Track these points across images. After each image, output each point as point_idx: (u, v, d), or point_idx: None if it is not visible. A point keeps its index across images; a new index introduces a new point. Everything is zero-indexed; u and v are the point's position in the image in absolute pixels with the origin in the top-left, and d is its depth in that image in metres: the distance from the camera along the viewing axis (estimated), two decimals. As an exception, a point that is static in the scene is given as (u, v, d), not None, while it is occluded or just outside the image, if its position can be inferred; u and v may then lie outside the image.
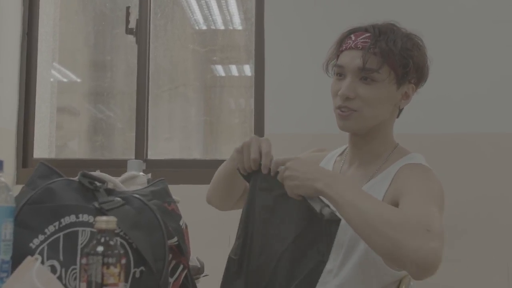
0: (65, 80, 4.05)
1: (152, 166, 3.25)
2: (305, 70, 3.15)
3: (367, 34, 1.61)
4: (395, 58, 1.57)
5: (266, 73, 3.24)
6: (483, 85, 3.09)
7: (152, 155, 3.46)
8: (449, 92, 3.08)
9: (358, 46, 1.60)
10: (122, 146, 3.86)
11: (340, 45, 1.66)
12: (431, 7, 3.15)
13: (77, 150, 4.05)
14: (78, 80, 4.12)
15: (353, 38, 1.63)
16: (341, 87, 1.60)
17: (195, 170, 3.31)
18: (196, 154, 3.90)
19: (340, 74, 1.63)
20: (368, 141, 1.66)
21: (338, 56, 1.66)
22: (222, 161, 3.35)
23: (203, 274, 1.93)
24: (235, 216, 3.12)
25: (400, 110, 1.71)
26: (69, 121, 4.08)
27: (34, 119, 3.47)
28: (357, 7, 3.14)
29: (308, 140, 3.16)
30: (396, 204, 1.46)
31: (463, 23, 3.12)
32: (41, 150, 3.56)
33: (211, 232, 3.07)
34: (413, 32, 1.66)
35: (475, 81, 3.09)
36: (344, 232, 1.53)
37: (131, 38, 3.53)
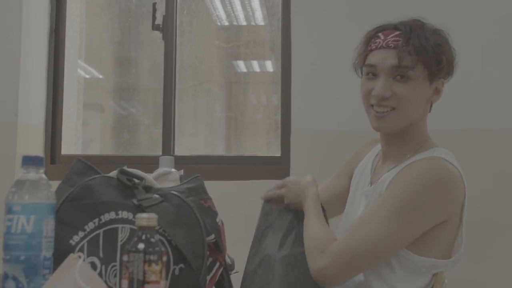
0: (89, 76, 4.07)
1: (179, 162, 3.24)
2: (331, 65, 3.13)
3: (397, 32, 1.60)
4: (428, 55, 1.56)
5: (293, 69, 3.23)
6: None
7: (177, 151, 3.47)
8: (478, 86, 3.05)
9: (390, 45, 1.58)
10: (147, 142, 3.87)
11: (368, 44, 1.64)
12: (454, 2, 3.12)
13: (103, 146, 4.08)
14: (103, 76, 4.14)
15: (382, 37, 1.61)
16: (374, 87, 1.59)
17: (222, 166, 3.31)
18: (220, 150, 3.91)
19: (372, 74, 1.62)
20: (401, 138, 1.65)
21: (366, 56, 1.64)
22: (248, 157, 3.40)
23: (234, 271, 1.93)
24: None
25: (431, 105, 1.69)
26: (94, 118, 4.10)
27: (62, 116, 3.49)
28: (384, 2, 3.12)
29: (334, 137, 3.15)
30: None
31: (480, 18, 3.09)
32: (68, 146, 3.59)
33: (238, 228, 3.06)
34: (440, 27, 1.64)
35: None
36: None
37: (156, 34, 3.54)
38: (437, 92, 1.65)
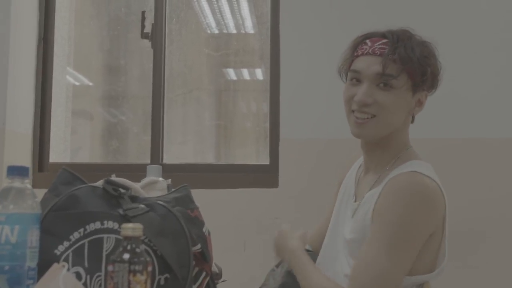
0: (79, 84, 4.06)
1: (167, 170, 3.25)
2: (320, 74, 3.14)
3: (384, 40, 1.60)
4: (414, 66, 1.56)
5: (282, 77, 3.24)
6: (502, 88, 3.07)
7: (166, 159, 3.46)
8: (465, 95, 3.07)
9: (376, 52, 1.58)
10: (136, 150, 3.86)
11: (355, 50, 1.64)
12: (446, 12, 3.13)
13: (91, 154, 4.06)
14: (92, 84, 4.13)
15: (369, 43, 1.61)
16: (357, 93, 1.58)
17: (210, 175, 3.31)
18: (209, 158, 3.91)
19: (355, 80, 1.61)
20: (380, 148, 1.64)
21: (352, 61, 1.64)
22: (237, 165, 3.40)
23: (221, 280, 1.92)
24: (249, 221, 3.14)
25: (413, 116, 1.69)
26: (83, 125, 4.09)
27: (50, 123, 3.48)
28: (374, 11, 3.13)
29: (323, 145, 3.16)
30: None
31: (477, 27, 3.11)
32: (57, 154, 3.57)
33: (226, 237, 3.07)
34: (427, 40, 1.65)
35: (492, 84, 3.08)
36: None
37: (145, 43, 3.54)
38: (420, 104, 1.64)
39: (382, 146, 1.64)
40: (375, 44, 1.60)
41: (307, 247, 1.90)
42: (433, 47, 1.64)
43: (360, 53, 1.61)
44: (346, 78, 1.66)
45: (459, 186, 2.80)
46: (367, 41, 1.62)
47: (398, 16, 2.87)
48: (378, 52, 1.58)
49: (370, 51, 1.59)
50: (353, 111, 1.60)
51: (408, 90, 1.58)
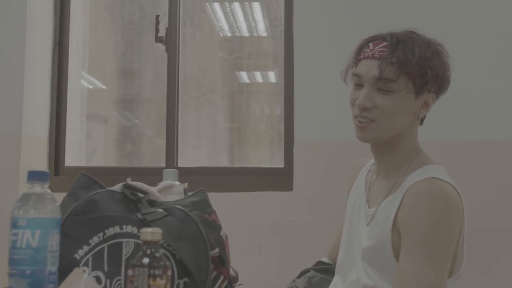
0: (93, 87, 4.09)
1: (182, 174, 3.25)
2: (334, 77, 3.10)
3: (385, 43, 1.58)
4: (412, 68, 1.54)
5: (295, 80, 3.24)
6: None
7: (180, 162, 3.47)
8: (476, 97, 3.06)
9: (375, 55, 1.57)
10: (151, 154, 3.88)
11: (359, 54, 1.64)
12: (458, 14, 3.13)
13: (106, 157, 4.08)
14: (107, 88, 4.16)
15: (371, 47, 1.60)
16: (358, 97, 1.58)
17: (225, 178, 3.32)
18: (223, 161, 3.92)
19: (358, 84, 1.61)
20: (389, 151, 1.64)
21: (356, 65, 1.64)
22: (251, 168, 3.41)
23: (238, 283, 1.93)
24: (264, 224, 3.15)
25: (423, 118, 1.68)
26: (98, 129, 4.11)
27: (65, 127, 3.51)
28: (387, 14, 3.13)
29: (337, 148, 3.16)
30: (400, 237, 1.51)
31: (488, 28, 3.11)
32: (72, 158, 3.60)
33: (241, 241, 3.07)
34: (434, 39, 1.62)
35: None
36: None
37: (159, 46, 3.56)
38: (426, 105, 1.62)
39: (390, 149, 1.63)
40: (376, 48, 1.59)
41: (325, 259, 1.90)
42: (438, 47, 1.61)
43: (362, 56, 1.61)
44: (352, 81, 1.66)
45: (471, 188, 2.79)
46: (370, 44, 1.61)
47: (411, 18, 2.87)
48: (378, 56, 1.57)
49: (370, 54, 1.59)
50: (356, 116, 1.60)
51: (409, 93, 1.56)
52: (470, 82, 3.00)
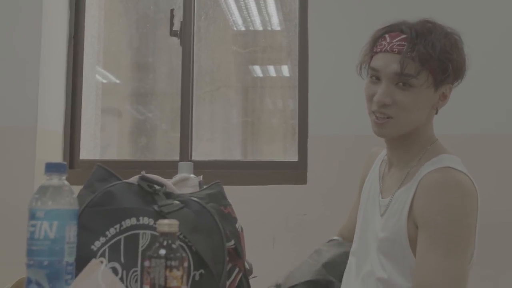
0: (107, 82, 4.11)
1: (196, 167, 3.26)
2: (349, 70, 3.11)
3: (403, 36, 1.53)
4: (434, 63, 1.50)
5: (310, 74, 3.23)
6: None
7: (194, 156, 3.48)
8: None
9: (394, 49, 1.53)
10: (165, 147, 3.89)
11: (374, 46, 1.59)
12: (473, 6, 3.11)
13: (120, 151, 4.10)
14: (121, 82, 4.17)
15: (388, 39, 1.55)
16: (376, 92, 1.54)
17: (239, 172, 3.32)
18: (236, 154, 3.92)
19: (375, 77, 1.57)
20: (405, 143, 1.61)
21: (371, 57, 1.60)
22: (266, 162, 3.41)
23: (252, 276, 1.93)
24: (278, 217, 3.15)
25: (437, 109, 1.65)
26: (112, 123, 4.13)
27: (80, 121, 3.53)
28: (401, 7, 3.11)
29: (351, 141, 3.15)
30: (416, 228, 1.50)
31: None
32: (87, 151, 3.62)
33: (255, 234, 3.07)
34: (451, 27, 1.59)
35: None
36: None
37: (174, 40, 3.56)
38: (444, 97, 1.59)
39: (407, 141, 1.61)
40: (394, 40, 1.54)
41: (335, 237, 1.91)
42: (456, 38, 1.57)
43: (379, 49, 1.56)
44: (368, 73, 1.61)
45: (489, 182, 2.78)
46: (387, 36, 1.57)
47: (425, 12, 2.86)
48: (396, 50, 1.52)
49: (388, 48, 1.54)
50: (373, 112, 1.57)
51: (429, 87, 1.53)
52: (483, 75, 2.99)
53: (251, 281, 1.91)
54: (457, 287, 1.45)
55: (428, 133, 1.63)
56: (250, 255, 1.99)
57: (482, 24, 3.07)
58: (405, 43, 1.52)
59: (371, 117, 1.59)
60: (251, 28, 3.98)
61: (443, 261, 1.44)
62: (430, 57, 1.50)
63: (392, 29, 1.58)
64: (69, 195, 1.12)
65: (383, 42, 1.56)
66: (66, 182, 1.14)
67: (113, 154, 4.08)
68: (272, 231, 3.16)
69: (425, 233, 1.48)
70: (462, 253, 1.47)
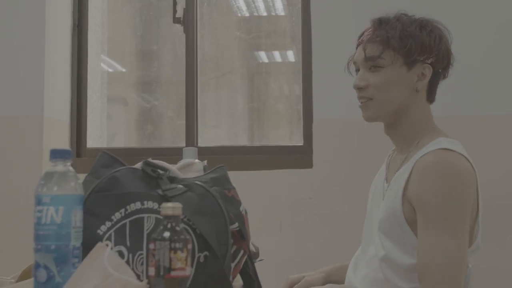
0: (112, 70, 4.12)
1: (202, 153, 3.28)
2: (352, 54, 3.13)
3: (372, 28, 1.69)
4: (395, 41, 1.61)
5: (314, 58, 3.24)
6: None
7: (200, 142, 3.50)
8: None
9: (363, 39, 1.68)
10: (171, 134, 3.91)
11: (357, 44, 1.74)
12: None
13: (127, 139, 4.13)
14: (126, 70, 4.18)
15: (363, 35, 1.71)
16: None
17: (245, 157, 3.34)
18: (243, 140, 3.93)
19: (357, 70, 1.72)
20: (397, 127, 1.68)
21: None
22: (271, 147, 3.43)
23: (259, 259, 1.96)
24: (285, 202, 3.17)
25: (432, 93, 1.69)
26: (118, 111, 4.15)
27: (86, 110, 3.55)
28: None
29: (356, 124, 3.14)
30: (412, 209, 1.54)
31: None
32: (94, 140, 3.64)
33: (262, 218, 3.10)
34: (427, 17, 1.68)
35: None
36: None
37: (178, 27, 3.57)
38: (423, 77, 1.65)
39: (398, 125, 1.67)
40: (364, 33, 1.70)
41: None
42: (426, 22, 1.67)
43: (357, 45, 1.73)
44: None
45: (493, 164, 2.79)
46: (364, 32, 1.72)
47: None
48: (365, 39, 1.67)
49: (360, 41, 1.71)
50: (358, 99, 1.70)
51: (399, 65, 1.63)
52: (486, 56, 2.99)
53: (258, 264, 1.93)
54: (456, 265, 1.48)
55: (420, 116, 1.67)
56: (257, 239, 2.02)
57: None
58: (371, 32, 1.67)
59: (359, 106, 1.70)
60: (255, 14, 3.97)
61: (440, 242, 1.48)
62: (391, 36, 1.62)
63: (368, 27, 1.72)
64: (74, 181, 1.14)
65: (360, 38, 1.72)
66: (71, 168, 1.15)
67: (121, 142, 4.10)
68: (279, 215, 3.19)
69: (422, 215, 1.52)
70: (459, 232, 1.50)
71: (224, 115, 4.00)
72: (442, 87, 1.71)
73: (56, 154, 1.15)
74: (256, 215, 2.84)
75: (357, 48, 1.72)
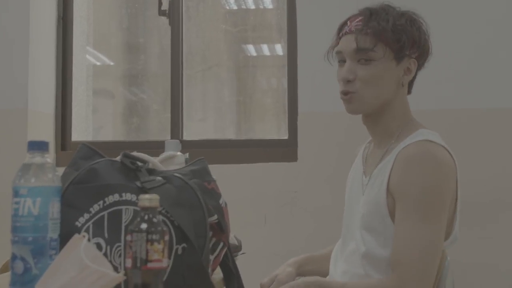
0: (99, 63, 4.10)
1: (187, 146, 3.28)
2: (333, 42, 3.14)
3: (360, 17, 1.65)
4: (388, 35, 1.60)
5: (299, 52, 3.24)
6: None
7: (187, 135, 3.50)
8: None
9: (352, 30, 1.63)
10: (157, 128, 3.90)
11: (339, 33, 1.69)
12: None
13: (113, 132, 4.11)
14: (112, 63, 4.17)
15: (348, 23, 1.66)
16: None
17: (230, 150, 3.34)
18: (229, 134, 3.93)
19: (341, 60, 1.67)
20: (378, 120, 1.67)
21: (338, 43, 1.70)
22: (255, 140, 3.43)
23: (241, 252, 1.96)
24: (270, 195, 3.18)
25: (410, 86, 1.71)
26: (104, 104, 4.14)
27: (71, 103, 3.54)
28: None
29: (341, 118, 3.14)
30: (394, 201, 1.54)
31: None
32: (79, 133, 3.63)
33: (246, 211, 3.11)
34: (410, 11, 1.67)
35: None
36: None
37: (164, 20, 3.55)
38: (409, 71, 1.66)
39: (379, 118, 1.66)
40: (352, 23, 1.65)
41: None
42: (413, 16, 1.66)
43: (341, 34, 1.67)
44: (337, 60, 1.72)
45: (481, 157, 2.80)
46: (348, 21, 1.68)
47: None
48: (354, 30, 1.63)
49: (347, 30, 1.65)
50: (340, 92, 1.65)
51: (390, 59, 1.61)
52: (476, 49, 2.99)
53: (243, 257, 1.94)
54: (429, 254, 1.49)
55: (402, 110, 1.68)
56: (242, 232, 2.02)
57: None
58: (361, 23, 1.63)
59: (341, 98, 1.66)
60: (243, 7, 3.97)
61: (415, 231, 1.49)
62: (383, 30, 1.60)
63: (354, 15, 1.69)
64: (51, 172, 1.14)
65: (345, 27, 1.67)
66: (48, 160, 1.15)
67: (107, 135, 4.08)
68: (263, 208, 3.19)
69: (400, 205, 1.53)
70: (436, 222, 1.51)
71: (211, 108, 4.00)
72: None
73: (34, 146, 1.15)
74: (240, 208, 2.86)
75: (341, 37, 1.67)
